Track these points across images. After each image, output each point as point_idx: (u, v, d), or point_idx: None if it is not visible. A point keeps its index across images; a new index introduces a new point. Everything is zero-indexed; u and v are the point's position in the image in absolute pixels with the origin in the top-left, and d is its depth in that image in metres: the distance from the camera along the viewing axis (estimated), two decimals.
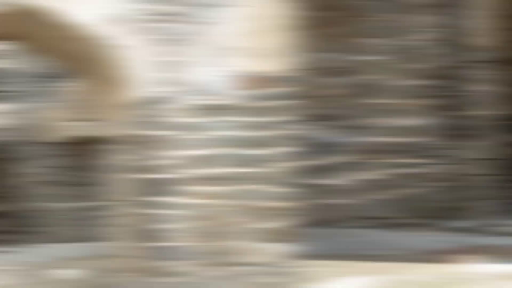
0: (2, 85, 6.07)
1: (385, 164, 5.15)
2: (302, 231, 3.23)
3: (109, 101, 3.39)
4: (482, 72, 5.16)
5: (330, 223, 4.99)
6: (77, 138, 6.68)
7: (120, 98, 3.13)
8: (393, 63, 5.13)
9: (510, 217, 5.19)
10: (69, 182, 7.00)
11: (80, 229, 6.80)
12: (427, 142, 5.21)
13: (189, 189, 3.05)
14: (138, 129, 3.04)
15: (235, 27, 2.97)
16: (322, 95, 5.19)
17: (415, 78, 5.15)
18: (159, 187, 3.03)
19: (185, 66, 2.94)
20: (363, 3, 5.31)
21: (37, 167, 6.47)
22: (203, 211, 3.07)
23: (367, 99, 5.17)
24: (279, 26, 3.00)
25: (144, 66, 2.89)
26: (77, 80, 4.98)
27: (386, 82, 5.14)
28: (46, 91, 6.04)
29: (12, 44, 4.79)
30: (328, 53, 5.26)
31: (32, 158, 6.43)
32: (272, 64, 3.01)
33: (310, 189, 4.59)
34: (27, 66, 5.81)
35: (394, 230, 5.01)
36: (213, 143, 3.00)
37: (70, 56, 3.44)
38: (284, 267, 3.07)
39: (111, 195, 3.64)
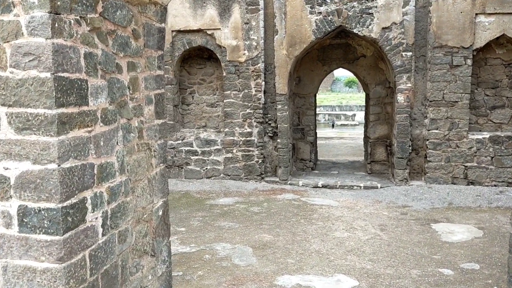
0: None
1: (237, 150, 9.38)
2: None
3: None
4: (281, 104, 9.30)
5: None
6: None
7: None
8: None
9: (296, 176, 9.55)
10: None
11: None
12: (254, 140, 9.40)
13: None
14: None
15: None
16: None
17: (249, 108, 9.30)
18: None
19: None
20: None
21: None
22: None
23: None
24: None
25: None
26: None
27: (235, 112, 9.24)
28: None
29: None
30: None
31: None
32: None
33: None
34: None
35: (241, 181, 9.23)
36: None
37: None
38: None
39: None
